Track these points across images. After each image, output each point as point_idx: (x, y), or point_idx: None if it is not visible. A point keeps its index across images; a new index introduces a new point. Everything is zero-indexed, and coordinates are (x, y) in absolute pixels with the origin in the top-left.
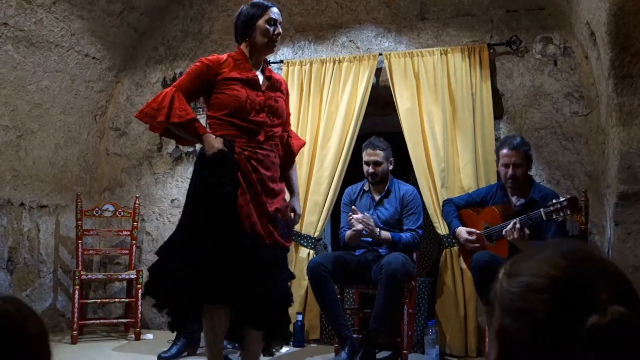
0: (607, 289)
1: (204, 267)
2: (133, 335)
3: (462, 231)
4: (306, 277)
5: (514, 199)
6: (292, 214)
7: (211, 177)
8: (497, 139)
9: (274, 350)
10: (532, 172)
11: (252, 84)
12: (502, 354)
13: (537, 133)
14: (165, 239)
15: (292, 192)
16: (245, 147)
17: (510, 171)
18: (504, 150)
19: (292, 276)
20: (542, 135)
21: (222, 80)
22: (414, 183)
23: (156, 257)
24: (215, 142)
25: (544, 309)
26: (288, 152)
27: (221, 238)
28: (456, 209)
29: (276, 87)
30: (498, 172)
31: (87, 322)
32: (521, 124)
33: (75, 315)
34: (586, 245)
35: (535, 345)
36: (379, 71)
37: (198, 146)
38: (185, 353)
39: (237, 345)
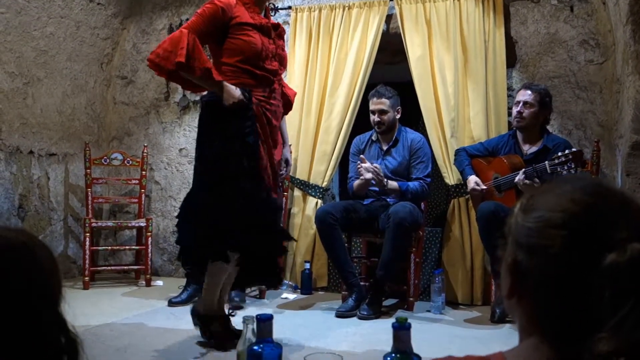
0: (627, 225)
1: (231, 217)
2: (144, 282)
3: (471, 181)
4: (314, 226)
5: (525, 147)
6: (285, 165)
7: (234, 127)
8: (509, 88)
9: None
10: None
11: (265, 30)
12: (514, 289)
13: (551, 82)
14: (174, 187)
15: (284, 142)
16: (261, 98)
17: (519, 107)
18: (521, 90)
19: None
20: (555, 84)
21: (236, 24)
22: (424, 133)
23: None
24: (235, 92)
25: (561, 244)
26: (286, 102)
27: (247, 189)
28: (468, 157)
29: (281, 35)
30: (509, 122)
31: (99, 268)
32: (534, 72)
33: (87, 261)
34: (607, 181)
35: (549, 281)
36: (389, 18)
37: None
38: (196, 299)
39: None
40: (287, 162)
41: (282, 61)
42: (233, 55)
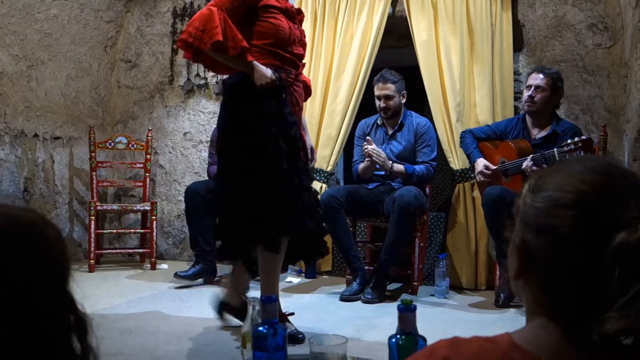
0: (637, 205)
1: (280, 201)
2: (149, 265)
3: (480, 164)
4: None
5: (534, 131)
6: (310, 153)
7: (272, 107)
8: (515, 72)
9: None
10: None
11: (290, 14)
12: (522, 270)
13: (558, 66)
14: (178, 172)
15: (304, 129)
16: (289, 80)
17: (530, 92)
18: (532, 74)
19: None
20: (562, 69)
21: (263, 7)
22: (429, 117)
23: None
24: (267, 72)
25: (570, 224)
26: (305, 88)
27: (288, 171)
28: (475, 140)
29: (302, 20)
30: (516, 107)
31: (104, 251)
32: (541, 56)
33: (92, 244)
34: (616, 160)
35: (558, 261)
36: (395, 1)
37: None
38: (201, 279)
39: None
40: (312, 149)
41: (304, 46)
42: (262, 38)
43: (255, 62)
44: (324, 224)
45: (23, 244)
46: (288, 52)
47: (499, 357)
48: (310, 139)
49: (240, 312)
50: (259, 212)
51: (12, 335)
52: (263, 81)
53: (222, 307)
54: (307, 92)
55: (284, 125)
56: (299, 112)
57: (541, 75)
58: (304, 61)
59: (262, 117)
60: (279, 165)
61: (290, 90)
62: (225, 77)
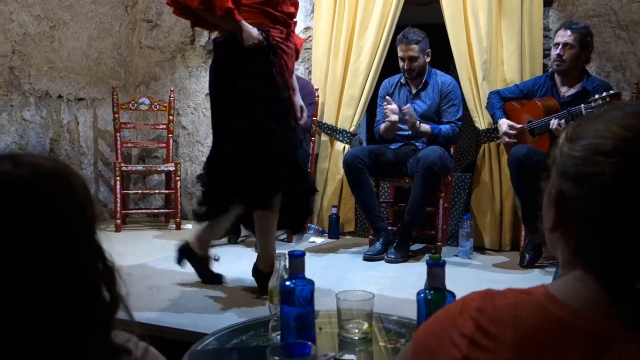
0: None
1: (270, 161)
2: (174, 225)
3: (504, 124)
4: (341, 171)
5: (563, 89)
6: (301, 112)
7: (259, 68)
8: (545, 28)
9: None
10: None
11: None
12: (558, 222)
13: (589, 21)
14: (201, 133)
15: (293, 89)
16: (278, 39)
17: (558, 50)
18: (560, 31)
19: None
20: (594, 24)
21: None
22: (454, 76)
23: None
24: (255, 32)
25: (611, 172)
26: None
27: (280, 131)
28: (501, 100)
29: None
30: (545, 64)
31: (129, 211)
32: (572, 11)
33: (118, 204)
34: None
35: (597, 211)
36: None
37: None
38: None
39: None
40: (301, 109)
41: (296, 5)
42: None
43: (244, 22)
44: (313, 182)
45: (49, 193)
46: (279, 10)
47: (535, 308)
48: (300, 98)
49: (199, 262)
50: (250, 171)
51: (43, 284)
52: (250, 41)
53: (185, 253)
54: (296, 55)
55: (271, 86)
56: (288, 72)
57: (569, 32)
58: (295, 19)
59: (249, 77)
60: (268, 126)
61: (280, 51)
62: (215, 35)
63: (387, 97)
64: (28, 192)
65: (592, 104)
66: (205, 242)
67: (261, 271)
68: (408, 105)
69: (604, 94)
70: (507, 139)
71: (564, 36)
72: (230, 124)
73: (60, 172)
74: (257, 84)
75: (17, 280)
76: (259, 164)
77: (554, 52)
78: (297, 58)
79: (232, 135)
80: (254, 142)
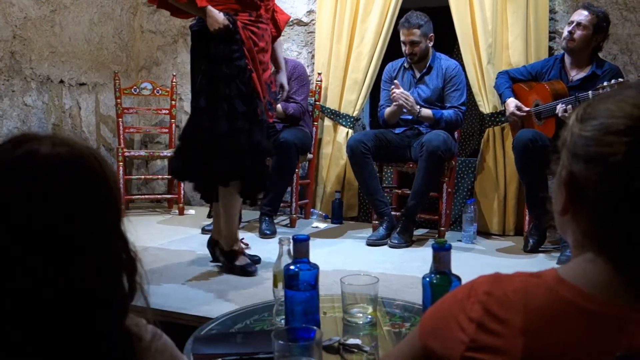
0: None
1: (230, 140)
2: (177, 211)
3: (512, 103)
4: (344, 156)
5: (572, 72)
6: (281, 90)
7: (220, 51)
8: (551, 11)
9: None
10: None
11: None
12: (569, 204)
13: (597, 2)
14: None
15: (279, 67)
16: (246, 22)
17: (571, 28)
18: (578, 10)
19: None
20: (601, 5)
21: None
22: (459, 59)
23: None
24: (219, 16)
25: (623, 152)
26: (275, 27)
27: (243, 112)
28: (509, 80)
29: None
30: (550, 48)
31: (133, 197)
32: None
33: (121, 190)
34: None
35: (609, 192)
36: None
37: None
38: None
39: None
40: (281, 86)
41: None
42: None
43: (210, 8)
44: (267, 165)
45: (87, 175)
46: None
47: (545, 292)
48: (284, 76)
49: (229, 254)
50: (211, 149)
51: (68, 269)
52: (215, 26)
53: (226, 255)
54: (278, 31)
55: (233, 68)
56: (261, 51)
57: (585, 12)
58: (267, 0)
59: (211, 60)
60: (231, 106)
61: (248, 33)
62: (191, 22)
63: (395, 81)
64: (68, 172)
65: (600, 91)
66: (233, 234)
67: (221, 249)
68: (407, 92)
69: (613, 81)
70: (512, 118)
71: (580, 15)
72: (197, 103)
73: (94, 156)
74: (218, 66)
75: (51, 256)
76: (219, 142)
77: (566, 29)
78: (278, 35)
79: (198, 114)
80: (217, 121)
